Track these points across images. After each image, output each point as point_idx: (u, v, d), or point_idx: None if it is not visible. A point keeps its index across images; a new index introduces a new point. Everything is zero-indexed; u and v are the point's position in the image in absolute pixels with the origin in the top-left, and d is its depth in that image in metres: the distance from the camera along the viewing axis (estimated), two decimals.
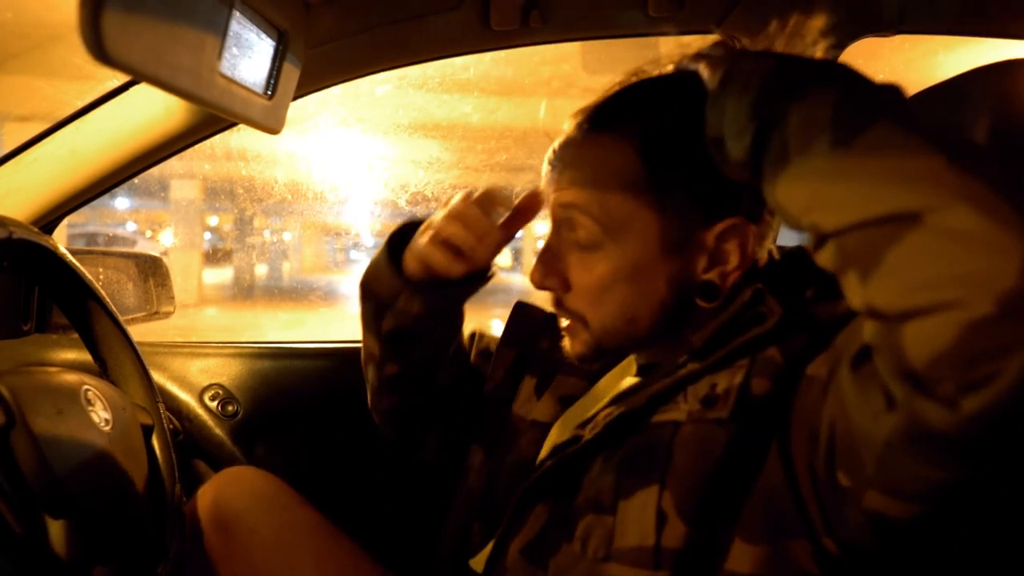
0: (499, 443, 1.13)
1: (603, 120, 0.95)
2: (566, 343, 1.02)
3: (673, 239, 0.92)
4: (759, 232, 0.94)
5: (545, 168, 1.00)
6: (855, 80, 0.73)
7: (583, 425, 0.97)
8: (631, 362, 1.07)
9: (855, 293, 0.65)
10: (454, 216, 1.08)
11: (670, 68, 0.98)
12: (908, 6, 1.66)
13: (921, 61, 2.54)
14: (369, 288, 1.21)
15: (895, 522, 0.69)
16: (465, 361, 1.30)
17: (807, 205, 0.69)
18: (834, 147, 0.66)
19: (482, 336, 1.35)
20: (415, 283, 1.14)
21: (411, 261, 1.13)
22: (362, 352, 1.28)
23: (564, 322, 1.02)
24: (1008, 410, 0.56)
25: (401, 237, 1.19)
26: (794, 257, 0.98)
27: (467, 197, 1.09)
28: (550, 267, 0.98)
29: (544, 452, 1.05)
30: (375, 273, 1.20)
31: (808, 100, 0.71)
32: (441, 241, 1.08)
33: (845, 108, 0.68)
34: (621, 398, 0.94)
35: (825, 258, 0.69)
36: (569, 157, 0.96)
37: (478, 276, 1.16)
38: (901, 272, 0.61)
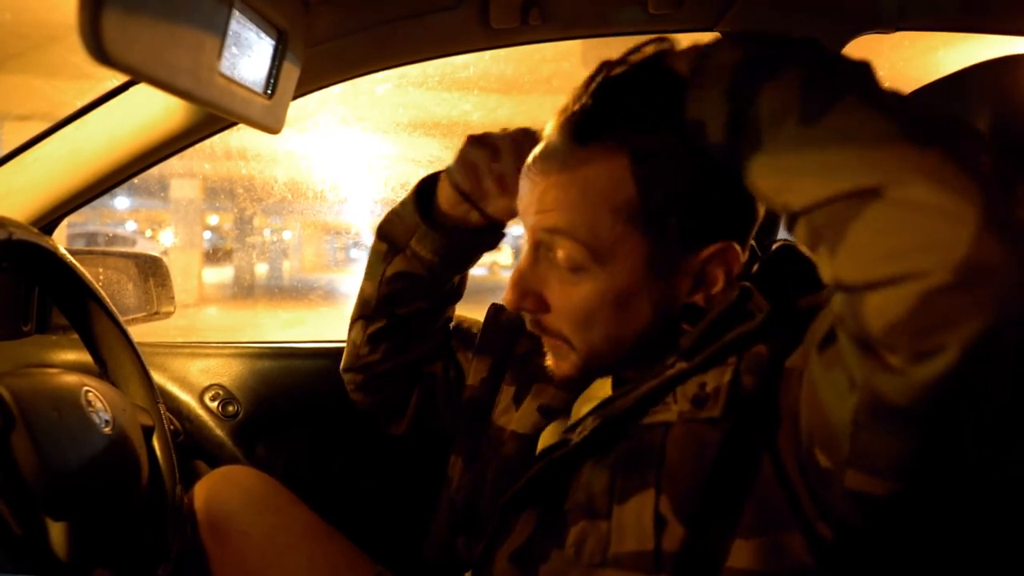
0: (479, 454, 1.13)
1: (590, 128, 0.88)
2: (550, 361, 0.99)
3: (660, 264, 0.89)
4: (745, 246, 0.93)
5: (523, 181, 0.95)
6: (824, 58, 0.74)
7: (571, 429, 0.95)
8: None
9: (825, 268, 0.67)
10: (464, 161, 1.12)
11: (643, 56, 0.90)
12: (907, 3, 1.66)
13: (921, 58, 2.54)
14: (385, 230, 1.24)
15: (878, 500, 0.70)
16: (447, 340, 1.32)
17: (779, 186, 0.71)
18: (801, 126, 0.68)
19: (463, 321, 1.36)
20: (431, 220, 1.17)
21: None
22: (354, 307, 1.29)
23: (546, 341, 0.99)
24: (958, 379, 0.58)
25: (428, 187, 1.21)
26: (782, 252, 0.98)
27: (487, 139, 1.11)
28: (527, 288, 0.94)
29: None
30: (394, 216, 1.23)
31: (778, 80, 0.71)
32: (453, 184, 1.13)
33: (813, 87, 0.69)
34: (609, 402, 0.92)
35: (799, 236, 0.71)
36: (554, 173, 0.89)
37: (492, 228, 1.18)
38: (864, 245, 0.62)
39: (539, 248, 0.93)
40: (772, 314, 0.85)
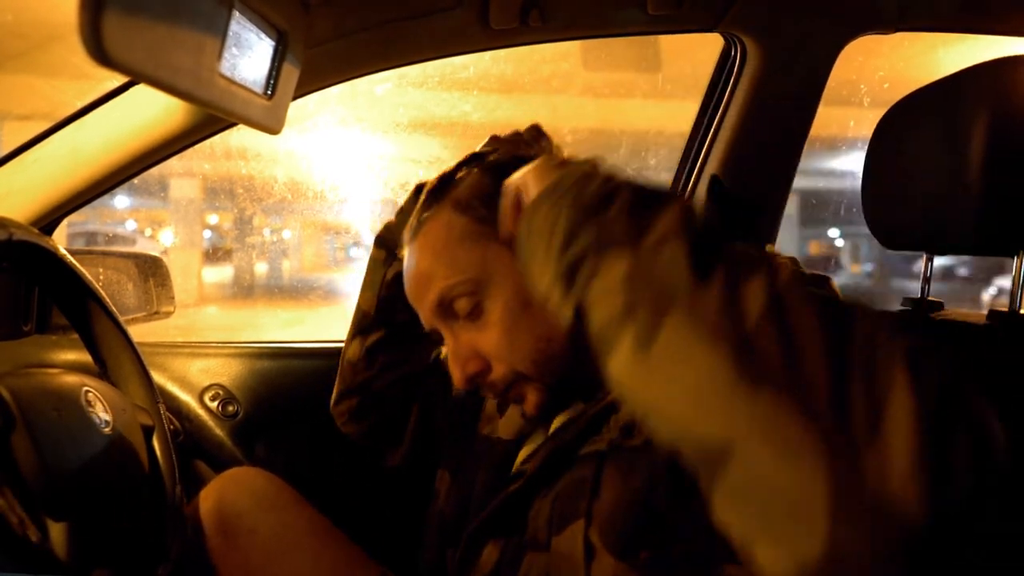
0: (466, 466, 1.14)
1: (419, 216, 1.01)
2: (525, 408, 1.00)
3: None
4: None
5: (407, 294, 1.04)
6: (644, 239, 0.69)
7: (528, 459, 0.97)
8: None
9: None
10: None
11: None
12: (907, 4, 1.66)
13: (920, 58, 2.53)
14: (383, 237, 1.29)
15: None
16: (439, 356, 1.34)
17: (641, 405, 0.66)
18: (636, 351, 0.63)
19: None
20: None
21: None
22: (350, 326, 1.31)
23: (509, 398, 1.01)
24: None
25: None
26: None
27: None
28: (464, 358, 0.97)
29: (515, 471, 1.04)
30: (392, 223, 1.28)
31: (602, 274, 0.68)
32: None
33: (637, 292, 0.65)
34: (560, 431, 0.94)
35: None
36: (414, 258, 1.00)
37: None
38: (730, 501, 0.59)
39: (447, 324, 0.99)
40: None
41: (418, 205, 1.03)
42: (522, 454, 1.06)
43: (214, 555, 1.29)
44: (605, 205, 0.72)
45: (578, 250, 0.71)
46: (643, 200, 0.72)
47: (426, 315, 1.00)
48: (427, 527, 1.17)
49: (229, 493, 1.34)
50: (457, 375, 0.98)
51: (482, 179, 0.98)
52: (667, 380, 0.61)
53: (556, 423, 1.00)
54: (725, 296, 0.61)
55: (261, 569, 1.27)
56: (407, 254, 1.02)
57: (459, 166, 1.03)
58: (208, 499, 1.33)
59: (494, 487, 1.02)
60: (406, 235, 1.04)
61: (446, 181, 1.01)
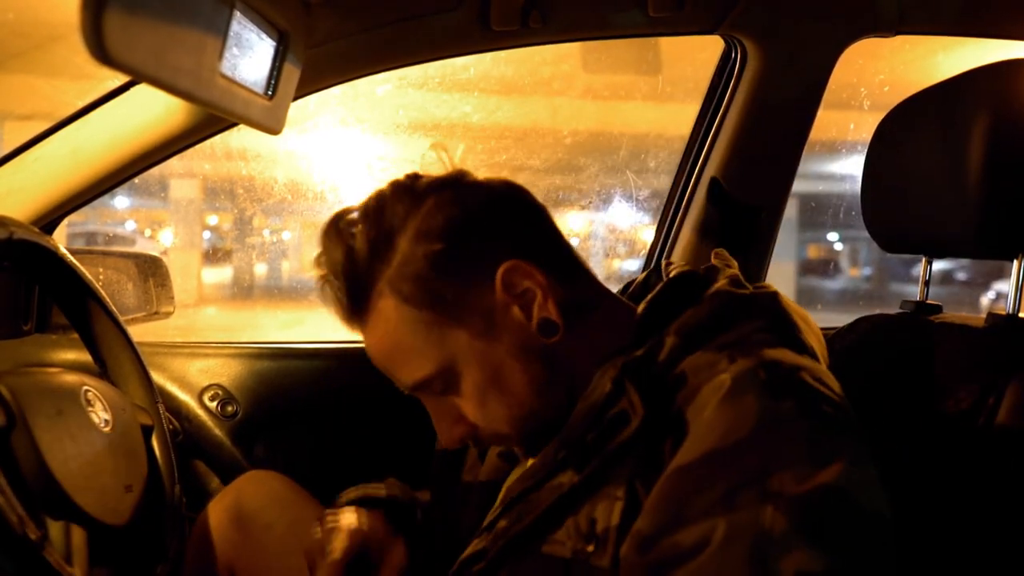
0: (452, 513, 1.15)
1: (360, 294, 0.94)
2: (516, 450, 1.02)
3: (480, 325, 0.92)
4: (531, 239, 0.96)
5: None
6: None
7: (490, 527, 0.94)
8: None
9: None
10: None
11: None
12: (908, 7, 1.66)
13: (921, 62, 2.54)
14: None
15: None
16: None
17: None
18: None
19: None
20: None
21: None
22: None
23: (502, 446, 1.04)
24: None
25: None
26: (678, 281, 0.96)
27: None
28: (450, 422, 0.98)
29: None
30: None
31: None
32: None
33: None
34: (512, 504, 0.91)
35: None
36: (370, 343, 0.97)
37: None
38: None
39: (425, 395, 0.98)
40: (647, 420, 0.82)
41: (340, 273, 0.94)
42: (500, 496, 1.06)
43: (230, 548, 1.34)
44: None
45: None
46: None
47: (400, 387, 0.99)
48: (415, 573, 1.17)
49: (248, 491, 1.40)
50: (444, 438, 0.99)
51: (419, 261, 0.91)
52: None
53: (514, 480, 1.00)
54: None
55: (277, 560, 1.30)
56: (355, 328, 0.98)
57: (380, 236, 0.93)
58: (228, 496, 1.39)
59: (478, 528, 1.03)
60: (345, 310, 0.97)
61: (373, 257, 0.93)
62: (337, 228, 0.95)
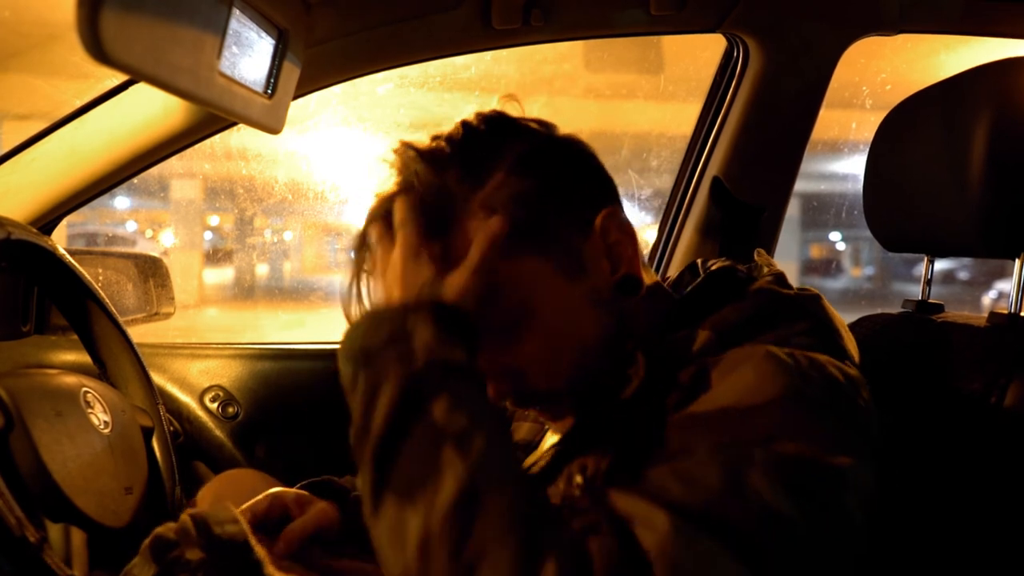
0: None
1: (443, 217, 0.87)
2: (551, 427, 0.98)
3: (568, 263, 0.88)
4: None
5: None
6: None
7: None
8: None
9: None
10: None
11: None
12: (910, 5, 1.66)
13: (923, 61, 2.53)
14: None
15: None
16: None
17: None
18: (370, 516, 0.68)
19: None
20: None
21: None
22: None
23: (543, 416, 0.97)
24: None
25: None
26: (719, 274, 0.95)
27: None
28: (497, 374, 0.90)
29: None
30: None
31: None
32: None
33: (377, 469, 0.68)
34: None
35: None
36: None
37: None
38: None
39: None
40: (647, 381, 0.82)
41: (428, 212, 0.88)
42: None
43: None
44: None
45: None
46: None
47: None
48: None
49: (226, 493, 1.33)
50: (493, 393, 0.90)
51: (519, 175, 0.87)
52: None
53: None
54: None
55: None
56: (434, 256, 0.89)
57: (477, 152, 0.89)
58: (205, 499, 1.33)
59: None
60: (421, 228, 0.87)
61: (468, 175, 0.88)
62: (417, 150, 0.89)
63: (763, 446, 0.69)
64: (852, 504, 0.70)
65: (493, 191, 0.86)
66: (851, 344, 0.89)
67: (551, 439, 1.00)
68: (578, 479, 0.84)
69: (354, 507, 1.15)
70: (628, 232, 0.90)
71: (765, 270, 0.95)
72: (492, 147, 0.89)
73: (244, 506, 1.06)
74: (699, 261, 1.03)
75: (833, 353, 0.82)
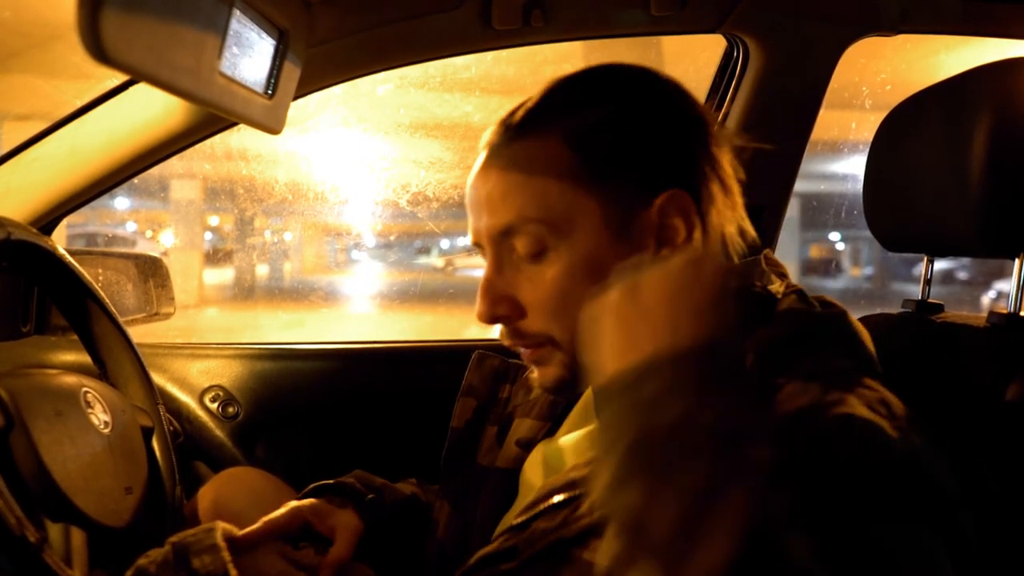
0: (466, 496, 1.12)
1: (522, 123, 0.90)
2: (534, 375, 0.95)
3: (618, 222, 0.87)
4: (708, 199, 0.92)
5: (470, 191, 0.95)
6: None
7: (524, 525, 0.88)
8: (589, 401, 1.02)
9: None
10: None
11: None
12: (910, 6, 1.66)
13: (923, 61, 2.53)
14: None
15: None
16: None
17: None
18: None
19: None
20: None
21: None
22: None
23: (527, 354, 0.94)
24: None
25: None
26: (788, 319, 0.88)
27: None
28: (497, 295, 0.91)
29: (518, 508, 0.97)
30: None
31: None
32: None
33: None
34: (555, 509, 0.86)
35: None
36: (494, 171, 0.90)
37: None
38: None
39: (499, 251, 0.92)
40: None
41: (513, 114, 0.92)
42: (531, 464, 1.05)
43: None
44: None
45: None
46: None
47: (482, 232, 0.92)
48: (425, 558, 1.16)
49: (226, 491, 1.34)
50: (483, 309, 0.91)
51: (613, 121, 0.88)
52: None
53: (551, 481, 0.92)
54: None
55: None
56: (484, 160, 0.92)
57: (585, 87, 0.91)
58: (205, 497, 1.33)
59: (494, 517, 1.01)
60: (489, 141, 0.92)
61: (565, 102, 0.90)
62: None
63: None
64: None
65: (580, 119, 0.88)
66: (873, 355, 0.86)
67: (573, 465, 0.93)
68: None
69: (373, 511, 1.16)
70: (689, 220, 0.88)
71: (777, 283, 0.93)
72: (597, 89, 0.90)
73: (263, 520, 1.06)
74: None
75: (870, 372, 0.80)
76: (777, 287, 0.92)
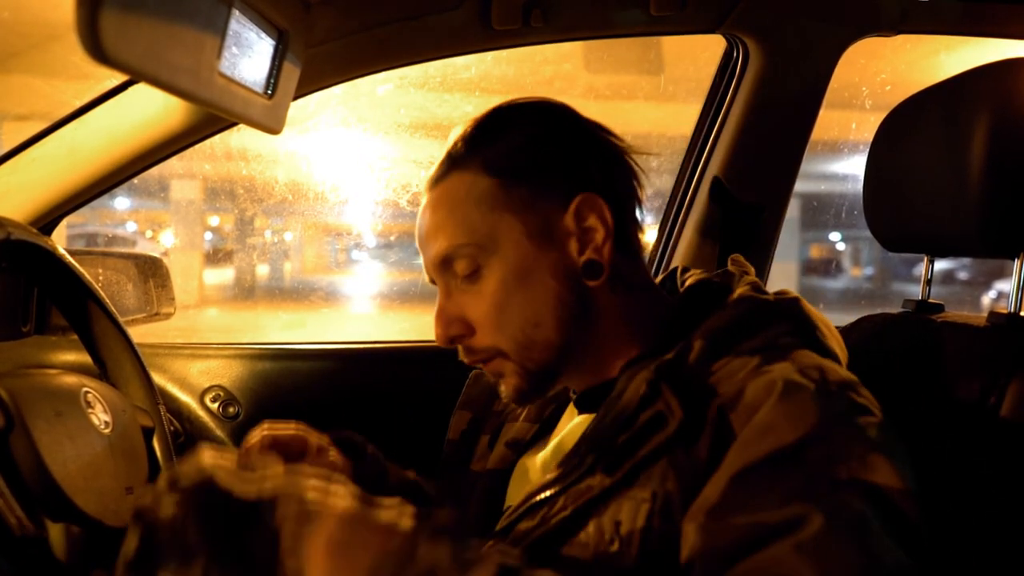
0: (460, 503, 1.13)
1: (449, 163, 0.99)
2: (502, 389, 1.02)
3: (540, 231, 0.95)
4: (618, 199, 0.99)
5: (416, 234, 1.04)
6: None
7: (503, 533, 0.93)
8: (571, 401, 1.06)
9: None
10: None
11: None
12: (910, 6, 1.66)
13: (923, 61, 2.53)
14: None
15: None
16: None
17: None
18: None
19: None
20: None
21: None
22: None
23: (487, 369, 1.02)
24: None
25: None
26: (696, 289, 1.02)
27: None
28: (449, 318, 0.99)
29: (515, 501, 0.99)
30: None
31: None
32: None
33: None
34: (534, 509, 0.90)
35: None
36: (429, 207, 1.00)
37: None
38: None
39: (445, 278, 1.00)
40: (684, 422, 0.83)
41: (444, 153, 1.02)
42: (529, 466, 1.06)
43: None
44: None
45: None
46: None
47: (428, 265, 1.01)
48: None
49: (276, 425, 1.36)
50: (439, 332, 0.99)
51: (523, 144, 0.97)
52: None
53: (537, 479, 0.98)
54: None
55: None
56: (424, 201, 1.02)
57: (497, 121, 1.01)
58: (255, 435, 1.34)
59: (486, 522, 1.02)
60: (427, 181, 1.02)
61: (482, 136, 0.99)
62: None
63: (828, 474, 0.74)
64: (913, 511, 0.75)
65: (496, 146, 0.97)
66: (835, 342, 0.94)
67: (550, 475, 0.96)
68: (609, 532, 0.84)
69: (367, 465, 1.20)
70: (604, 220, 0.96)
71: (744, 278, 0.99)
72: (513, 115, 1.00)
73: (269, 429, 1.09)
74: (678, 270, 1.11)
75: (816, 350, 0.88)
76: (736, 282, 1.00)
